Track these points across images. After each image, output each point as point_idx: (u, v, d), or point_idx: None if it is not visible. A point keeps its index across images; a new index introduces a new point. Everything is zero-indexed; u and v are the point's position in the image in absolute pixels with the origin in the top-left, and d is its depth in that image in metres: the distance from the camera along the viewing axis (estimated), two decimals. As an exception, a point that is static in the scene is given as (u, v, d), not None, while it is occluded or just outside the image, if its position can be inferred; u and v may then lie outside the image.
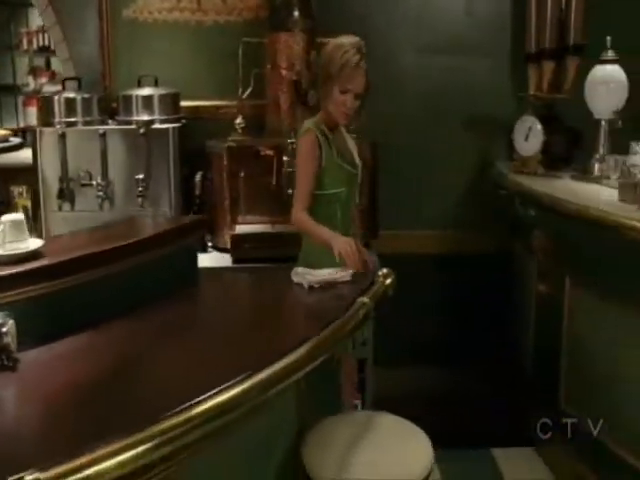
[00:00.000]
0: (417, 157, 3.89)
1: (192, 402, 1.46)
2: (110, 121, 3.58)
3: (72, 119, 3.48)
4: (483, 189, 3.86)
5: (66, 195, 3.40)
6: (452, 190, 4.02)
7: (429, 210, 3.98)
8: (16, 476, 1.18)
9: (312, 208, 2.65)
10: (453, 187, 4.02)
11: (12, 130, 5.69)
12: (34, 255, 1.94)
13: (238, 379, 1.56)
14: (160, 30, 3.78)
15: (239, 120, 3.49)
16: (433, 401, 3.77)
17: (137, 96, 3.52)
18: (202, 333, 2.03)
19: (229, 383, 1.55)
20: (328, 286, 2.27)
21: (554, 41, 3.50)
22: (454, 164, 3.97)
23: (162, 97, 3.53)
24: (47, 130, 3.43)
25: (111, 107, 3.65)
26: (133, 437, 1.32)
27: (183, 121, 3.60)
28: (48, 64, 6.59)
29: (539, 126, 3.44)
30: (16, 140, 5.22)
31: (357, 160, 2.81)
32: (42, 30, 6.27)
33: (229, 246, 3.34)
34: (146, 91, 3.55)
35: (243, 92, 3.50)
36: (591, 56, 3.32)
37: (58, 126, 3.42)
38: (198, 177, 3.50)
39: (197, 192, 3.50)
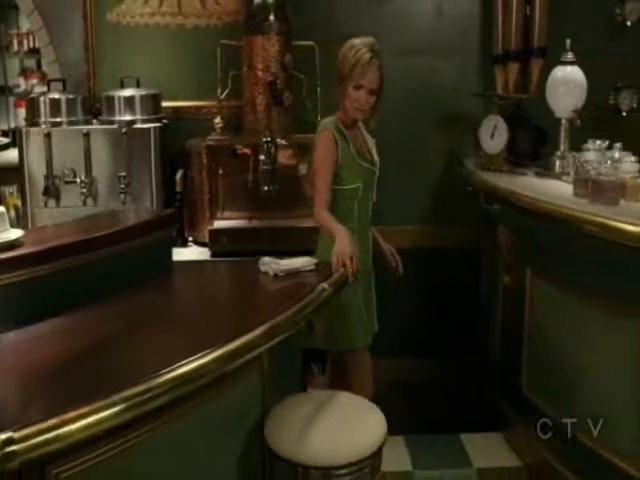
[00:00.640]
0: (392, 155, 3.98)
1: (155, 373, 1.61)
2: (94, 121, 3.69)
3: (57, 119, 3.59)
4: (454, 186, 3.97)
5: (51, 192, 3.53)
6: (425, 187, 4.14)
7: (404, 206, 4.08)
8: (-9, 435, 1.32)
9: (330, 203, 2.75)
10: (426, 184, 4.14)
11: (1, 131, 5.79)
12: (14, 244, 2.08)
13: (199, 355, 1.72)
14: (142, 33, 3.90)
15: (218, 120, 3.59)
16: (407, 389, 3.92)
17: (120, 97, 3.63)
18: (172, 317, 2.18)
19: (191, 358, 1.70)
20: (292, 274, 2.43)
21: (519, 43, 3.63)
22: (427, 162, 4.10)
23: (144, 98, 3.65)
24: (33, 130, 3.55)
25: (95, 107, 3.76)
26: (98, 402, 1.47)
27: (164, 121, 3.72)
28: (39, 65, 6.64)
29: (504, 125, 3.54)
30: (4, 140, 5.31)
31: (375, 157, 2.92)
32: (32, 32, 6.36)
33: (208, 240, 3.47)
34: (128, 92, 3.66)
35: (222, 93, 3.59)
36: (554, 58, 3.44)
37: (44, 126, 3.54)
38: (179, 175, 3.62)
39: (178, 189, 3.62)
